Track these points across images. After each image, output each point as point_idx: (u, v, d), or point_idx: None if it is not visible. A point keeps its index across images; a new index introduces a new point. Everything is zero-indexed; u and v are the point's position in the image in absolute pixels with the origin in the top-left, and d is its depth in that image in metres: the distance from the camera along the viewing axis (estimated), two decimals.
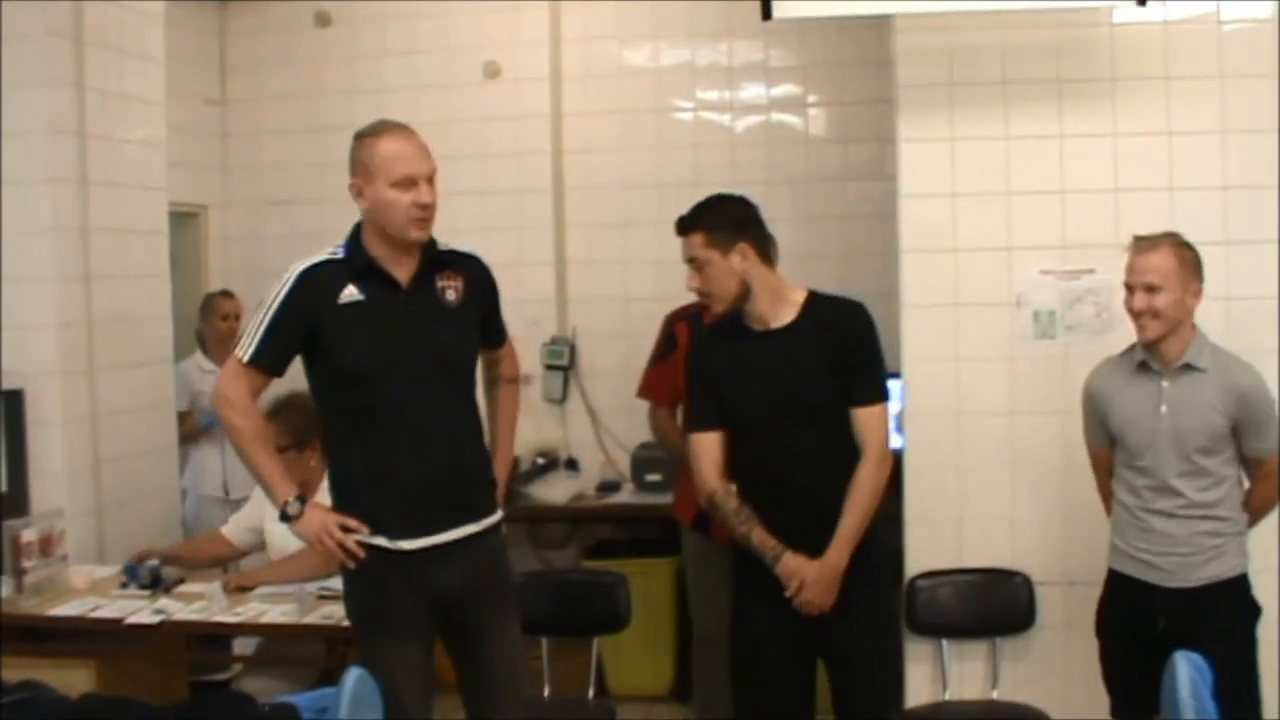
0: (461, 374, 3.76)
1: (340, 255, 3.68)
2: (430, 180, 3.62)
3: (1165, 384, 4.07)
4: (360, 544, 3.61)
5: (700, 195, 6.57)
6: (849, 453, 3.85)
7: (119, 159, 5.50)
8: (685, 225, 3.95)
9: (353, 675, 3.24)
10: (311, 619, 4.41)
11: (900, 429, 4.90)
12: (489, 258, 3.87)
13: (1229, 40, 4.82)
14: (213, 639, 4.88)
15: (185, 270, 6.92)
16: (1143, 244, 4.08)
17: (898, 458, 4.78)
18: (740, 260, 3.86)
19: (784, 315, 3.90)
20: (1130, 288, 4.06)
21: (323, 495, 3.83)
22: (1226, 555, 4.05)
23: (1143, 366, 4.13)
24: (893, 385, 4.06)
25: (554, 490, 6.36)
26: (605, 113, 6.84)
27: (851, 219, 6.52)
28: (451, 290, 3.73)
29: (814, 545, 3.79)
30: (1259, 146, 4.79)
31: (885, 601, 4.11)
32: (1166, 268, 4.01)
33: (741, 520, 3.85)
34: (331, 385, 3.69)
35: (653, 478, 6.32)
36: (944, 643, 4.94)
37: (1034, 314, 4.84)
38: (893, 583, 4.29)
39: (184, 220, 6.97)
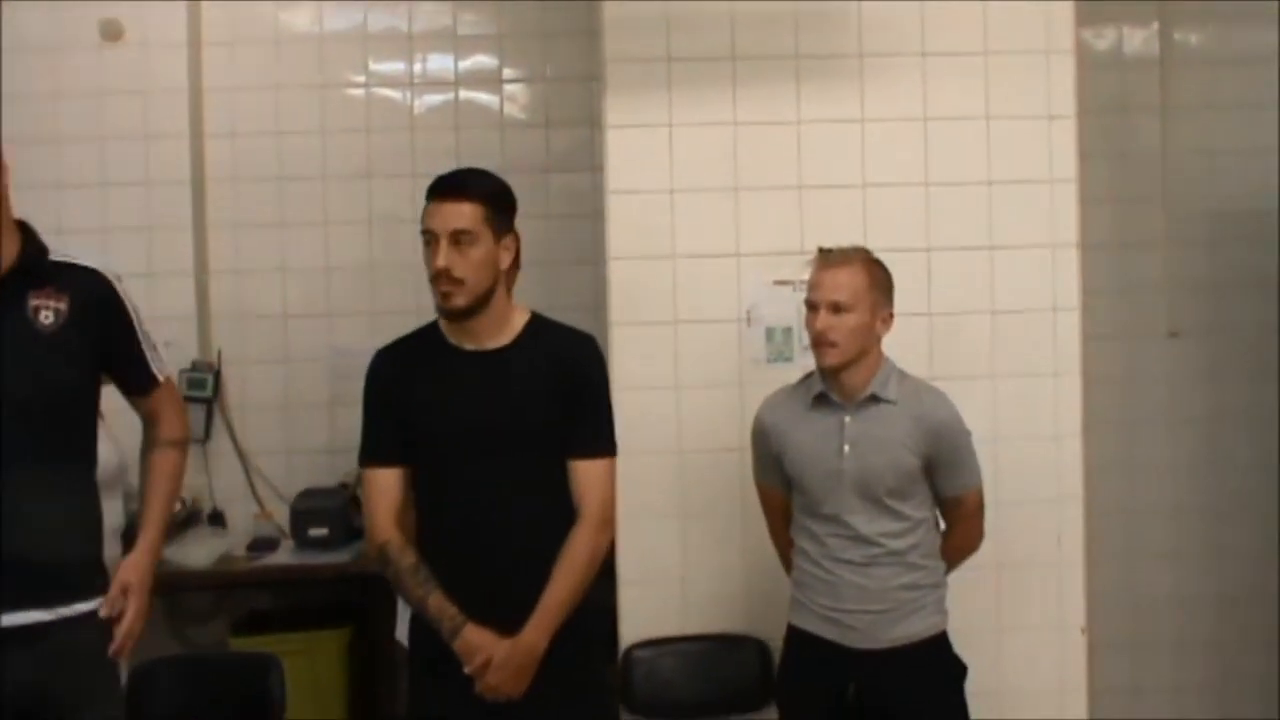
0: (46, 417, 3.57)
1: None
2: None
3: (848, 419, 4.18)
4: None
5: (376, 188, 6.64)
6: (561, 509, 3.83)
7: None
8: (457, 187, 3.84)
9: None
10: None
11: None
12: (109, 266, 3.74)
13: (995, 12, 5.00)
14: None
15: None
16: (831, 258, 4.18)
17: None
18: (504, 254, 3.85)
19: (501, 335, 3.87)
20: (813, 306, 4.15)
21: None
22: (924, 611, 4.21)
23: (821, 399, 4.23)
24: None
25: (194, 551, 6.15)
26: (257, 88, 6.68)
27: (555, 218, 6.48)
28: (48, 312, 3.58)
29: (507, 617, 3.74)
30: (1028, 135, 4.98)
31: (596, 690, 4.07)
32: (856, 286, 4.12)
33: (418, 581, 3.78)
34: None
35: (317, 532, 6.20)
36: None
37: (767, 331, 4.93)
38: (607, 665, 4.28)
39: None
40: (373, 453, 3.94)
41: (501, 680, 3.72)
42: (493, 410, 3.80)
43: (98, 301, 3.69)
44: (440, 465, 3.83)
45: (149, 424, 3.90)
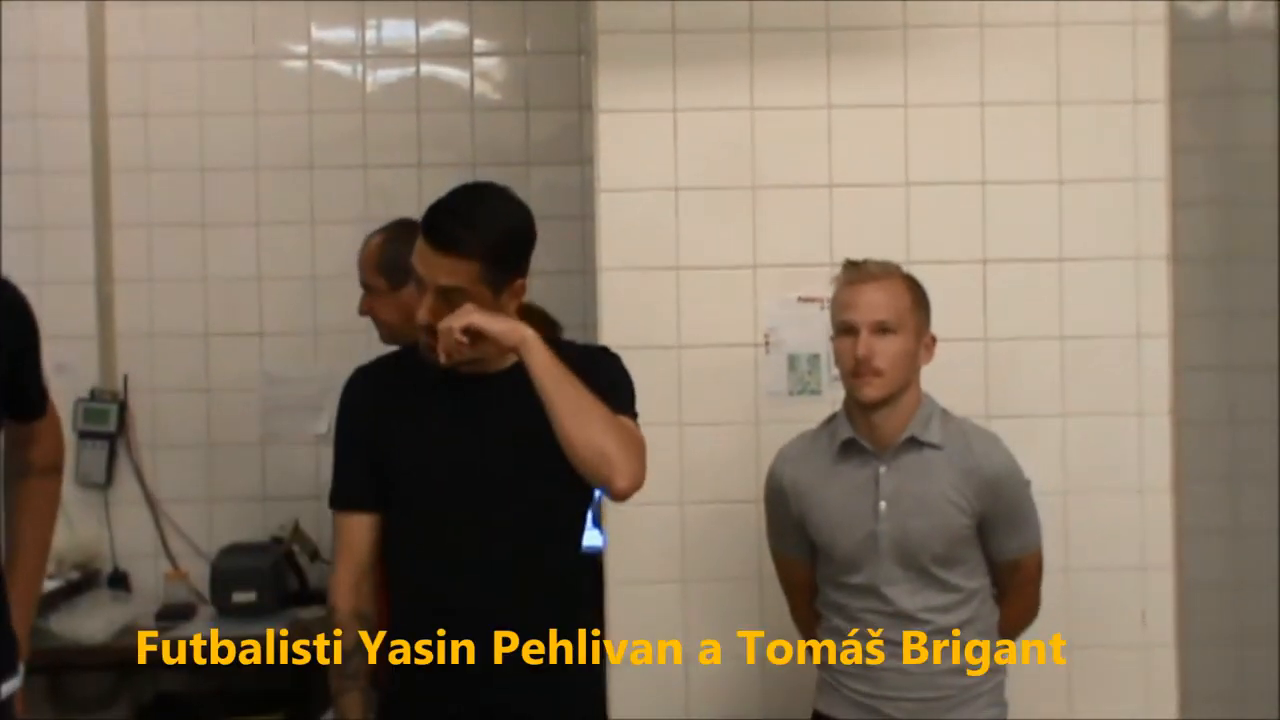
0: None
1: None
2: None
3: (883, 470, 4.17)
4: None
5: (319, 181, 6.67)
6: (571, 572, 3.84)
7: None
8: (450, 240, 3.65)
9: None
10: None
11: (599, 524, 4.94)
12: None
13: None
14: None
15: None
16: (867, 270, 4.17)
17: (597, 565, 4.88)
18: (509, 301, 3.75)
19: (503, 357, 3.77)
20: (849, 328, 4.12)
21: None
22: (979, 701, 4.21)
23: (850, 447, 4.21)
24: None
25: (90, 622, 6.11)
26: (173, 58, 6.70)
27: (536, 221, 6.38)
28: None
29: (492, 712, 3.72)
30: (1108, 124, 5.00)
31: None
32: (900, 306, 4.12)
33: (346, 672, 3.79)
34: None
35: (243, 597, 6.19)
36: None
37: (789, 358, 4.98)
38: None
39: None
40: (341, 495, 3.91)
41: None
42: (490, 446, 3.75)
43: (8, 319, 3.66)
44: (430, 510, 3.80)
45: (21, 446, 3.86)
